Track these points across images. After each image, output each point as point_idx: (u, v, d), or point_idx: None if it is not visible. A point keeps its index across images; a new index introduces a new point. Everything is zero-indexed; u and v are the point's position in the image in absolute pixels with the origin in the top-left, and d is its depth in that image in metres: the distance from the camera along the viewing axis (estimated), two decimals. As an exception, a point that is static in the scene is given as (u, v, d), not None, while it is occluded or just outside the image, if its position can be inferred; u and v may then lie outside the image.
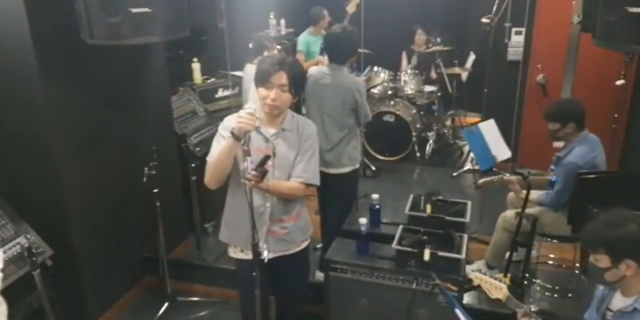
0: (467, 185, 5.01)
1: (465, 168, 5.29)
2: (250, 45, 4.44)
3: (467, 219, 2.98)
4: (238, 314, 2.77)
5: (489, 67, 5.54)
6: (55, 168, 2.83)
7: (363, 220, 2.84)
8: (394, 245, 2.72)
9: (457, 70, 5.89)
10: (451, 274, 2.59)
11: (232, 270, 2.68)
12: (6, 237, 2.56)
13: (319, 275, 3.34)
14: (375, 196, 3.08)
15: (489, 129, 4.38)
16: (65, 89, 2.82)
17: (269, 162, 2.18)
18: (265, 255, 2.19)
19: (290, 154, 2.38)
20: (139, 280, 3.60)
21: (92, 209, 3.09)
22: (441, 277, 2.33)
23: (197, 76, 4.55)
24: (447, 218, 2.93)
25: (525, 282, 3.25)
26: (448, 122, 6.37)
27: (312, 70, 3.32)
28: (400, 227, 2.89)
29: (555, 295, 3.36)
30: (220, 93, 4.63)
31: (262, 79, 2.27)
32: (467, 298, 2.95)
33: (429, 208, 3.02)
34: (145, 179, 3.08)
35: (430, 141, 5.76)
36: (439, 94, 5.85)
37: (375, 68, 5.60)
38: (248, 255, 2.30)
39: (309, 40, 5.46)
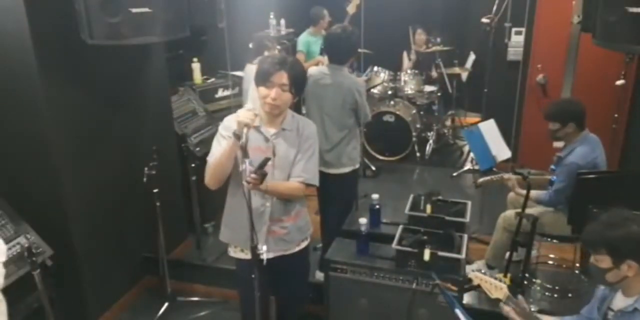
0: (467, 185, 5.01)
1: (465, 168, 5.30)
2: (250, 45, 4.44)
3: (467, 219, 2.98)
4: (238, 314, 2.77)
5: (489, 67, 5.54)
6: (55, 168, 2.83)
7: (363, 220, 2.84)
8: (394, 245, 2.72)
9: (457, 70, 5.90)
10: (451, 274, 2.59)
11: (232, 270, 2.68)
12: (6, 237, 2.55)
13: (319, 275, 3.34)
14: (375, 196, 3.08)
15: (489, 129, 4.39)
16: (65, 89, 2.82)
17: (269, 163, 2.18)
18: (265, 255, 2.19)
19: (290, 153, 2.38)
20: (139, 280, 3.60)
21: (92, 209, 3.09)
22: (441, 277, 2.32)
23: (197, 76, 4.55)
24: (447, 218, 2.93)
25: (525, 282, 3.26)
26: (448, 122, 6.38)
27: (312, 71, 3.32)
28: (400, 227, 2.89)
29: (555, 295, 3.36)
30: (220, 93, 4.63)
31: (262, 78, 2.27)
32: (467, 298, 2.95)
33: (429, 208, 3.02)
34: (145, 179, 3.08)
35: (430, 141, 5.76)
36: (439, 94, 5.85)
37: (375, 68, 5.60)
38: (248, 255, 2.30)
39: (309, 40, 5.46)
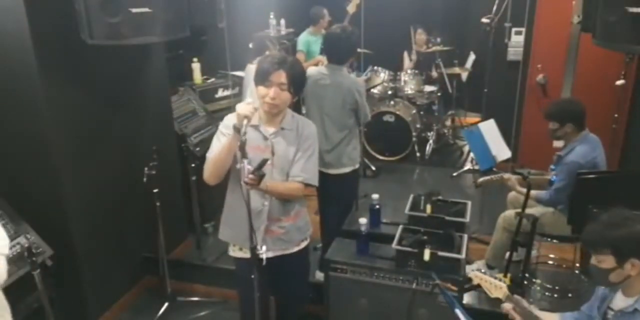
0: (467, 185, 5.01)
1: (465, 168, 5.30)
2: (251, 45, 4.44)
3: (467, 219, 2.98)
4: (238, 314, 2.77)
5: (489, 67, 5.53)
6: (55, 168, 2.83)
7: (363, 220, 2.83)
8: (394, 245, 2.72)
9: (457, 70, 5.90)
10: (451, 274, 2.59)
11: (232, 270, 2.68)
12: (6, 237, 2.55)
13: (319, 275, 3.34)
14: (375, 196, 3.08)
15: (489, 129, 4.38)
16: (65, 89, 2.82)
17: (267, 163, 2.18)
18: (264, 254, 2.19)
19: (288, 153, 2.38)
20: (139, 280, 3.60)
21: (92, 209, 3.09)
22: (441, 277, 2.32)
23: (197, 76, 4.55)
24: (447, 218, 2.93)
25: (525, 282, 3.25)
26: (448, 122, 6.38)
27: (311, 71, 3.31)
28: (400, 227, 2.89)
29: (555, 295, 3.36)
30: (220, 93, 4.63)
31: (261, 78, 2.27)
32: (467, 298, 2.95)
33: (429, 208, 3.01)
34: (145, 179, 3.08)
35: (430, 141, 5.76)
36: (439, 94, 5.85)
37: (375, 68, 5.60)
38: (247, 254, 2.30)
39: (309, 40, 5.46)
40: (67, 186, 2.89)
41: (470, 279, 2.26)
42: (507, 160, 4.43)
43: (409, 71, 5.75)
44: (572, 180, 3.01)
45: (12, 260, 2.50)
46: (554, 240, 3.32)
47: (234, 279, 2.67)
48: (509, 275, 3.08)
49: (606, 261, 1.88)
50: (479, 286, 2.21)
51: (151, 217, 3.24)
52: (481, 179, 3.51)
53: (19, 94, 2.69)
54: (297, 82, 2.31)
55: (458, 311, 2.10)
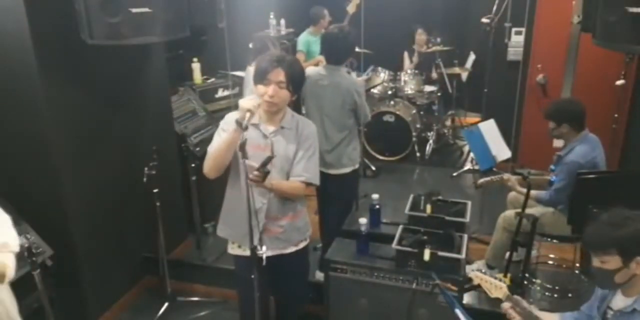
0: (467, 185, 5.01)
1: (465, 168, 5.30)
2: (251, 45, 4.43)
3: (467, 219, 2.98)
4: (238, 314, 2.77)
5: (489, 67, 5.53)
6: (55, 168, 2.83)
7: (363, 220, 2.84)
8: (394, 245, 2.72)
9: (457, 70, 5.89)
10: (451, 274, 2.59)
11: (232, 270, 2.68)
12: (6, 237, 2.55)
13: (319, 275, 3.33)
14: (375, 196, 3.08)
15: (489, 129, 4.39)
16: (65, 89, 2.82)
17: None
18: (263, 252, 2.19)
19: (288, 152, 2.38)
20: (139, 280, 3.60)
21: (92, 209, 3.09)
22: (441, 277, 2.32)
23: (197, 76, 4.55)
24: (447, 218, 2.93)
25: (525, 282, 3.25)
26: (448, 122, 6.37)
27: (309, 71, 3.30)
28: (400, 227, 2.89)
29: (555, 295, 3.36)
30: (220, 93, 4.62)
31: (260, 76, 2.28)
32: (467, 298, 2.95)
33: (429, 208, 3.02)
34: (145, 179, 3.08)
35: (430, 141, 5.76)
36: (439, 94, 5.85)
37: (375, 68, 5.60)
38: (245, 252, 2.31)
39: (309, 40, 5.45)
40: (67, 186, 2.89)
41: (470, 279, 2.26)
42: (507, 160, 4.44)
43: (409, 71, 5.74)
44: (572, 180, 3.01)
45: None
46: (554, 240, 3.32)
47: (234, 279, 2.67)
48: (509, 275, 3.08)
49: (611, 262, 1.86)
50: (479, 286, 2.21)
51: (151, 217, 3.24)
52: (481, 180, 3.50)
53: (19, 94, 2.69)
54: (296, 80, 2.32)
55: (458, 311, 2.10)
